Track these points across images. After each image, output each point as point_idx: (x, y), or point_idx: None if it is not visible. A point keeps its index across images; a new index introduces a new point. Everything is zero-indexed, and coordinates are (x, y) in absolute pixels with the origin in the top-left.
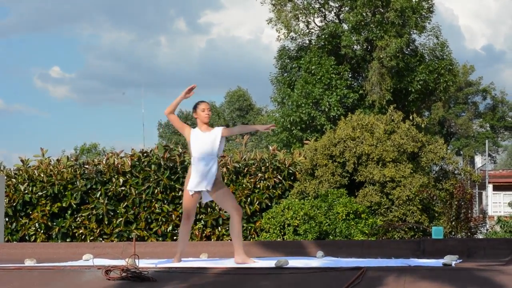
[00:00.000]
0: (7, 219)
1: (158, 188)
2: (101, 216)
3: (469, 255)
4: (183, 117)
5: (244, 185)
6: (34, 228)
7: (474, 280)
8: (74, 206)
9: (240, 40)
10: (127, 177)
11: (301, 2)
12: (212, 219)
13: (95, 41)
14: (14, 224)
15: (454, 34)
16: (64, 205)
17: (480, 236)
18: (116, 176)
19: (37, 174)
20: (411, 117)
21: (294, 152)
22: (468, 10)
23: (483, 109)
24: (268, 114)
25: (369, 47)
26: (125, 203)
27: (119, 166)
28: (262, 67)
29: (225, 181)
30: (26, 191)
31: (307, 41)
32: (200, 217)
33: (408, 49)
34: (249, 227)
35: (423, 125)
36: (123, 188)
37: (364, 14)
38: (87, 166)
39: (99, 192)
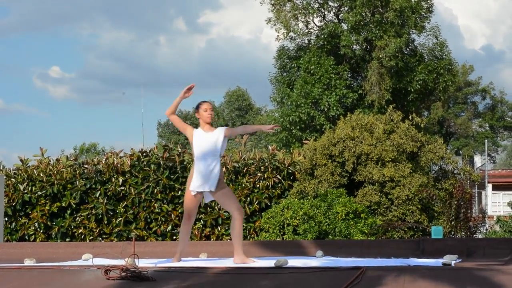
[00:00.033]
0: (6, 219)
1: (158, 187)
2: (100, 216)
3: (468, 254)
4: (182, 117)
5: (243, 185)
6: (33, 228)
7: (473, 279)
8: (74, 205)
9: (239, 40)
10: (127, 176)
11: (300, 2)
12: (211, 218)
13: (94, 41)
14: (14, 223)
15: (454, 34)
16: (63, 204)
17: (480, 236)
18: (115, 176)
19: (36, 174)
20: (410, 117)
21: (294, 151)
22: (468, 10)
23: (483, 109)
24: (268, 114)
25: (368, 47)
26: (125, 203)
27: (119, 165)
28: (261, 67)
29: (225, 180)
30: (26, 191)
31: (306, 41)
32: (200, 216)
33: (408, 49)
34: (249, 227)
35: (422, 125)
36: (122, 187)
37: (363, 14)
38: (86, 166)
39: (99, 192)
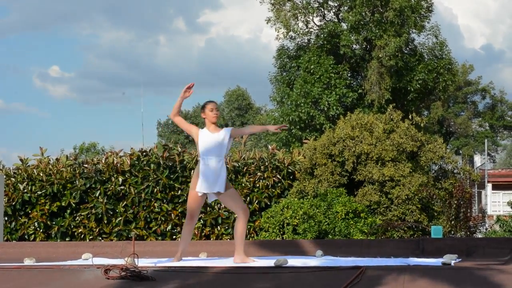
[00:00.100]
0: (6, 218)
1: (157, 187)
2: (100, 215)
3: (468, 254)
4: (182, 116)
5: (243, 184)
6: (33, 227)
7: (473, 279)
8: (73, 205)
9: (239, 40)
10: (126, 176)
11: (300, 1)
12: (211, 218)
13: (94, 40)
14: (13, 223)
15: (453, 33)
16: (63, 204)
17: (479, 235)
18: (115, 175)
19: (36, 173)
20: (410, 117)
21: (293, 151)
22: (467, 9)
23: (482, 109)
24: (267, 113)
25: (368, 46)
26: (124, 202)
27: (118, 165)
28: (261, 67)
29: None
30: (25, 190)
31: (306, 41)
32: (199, 216)
33: (407, 49)
34: (248, 226)
35: (422, 125)
36: (122, 187)
37: (363, 13)
38: (86, 165)
39: (98, 191)
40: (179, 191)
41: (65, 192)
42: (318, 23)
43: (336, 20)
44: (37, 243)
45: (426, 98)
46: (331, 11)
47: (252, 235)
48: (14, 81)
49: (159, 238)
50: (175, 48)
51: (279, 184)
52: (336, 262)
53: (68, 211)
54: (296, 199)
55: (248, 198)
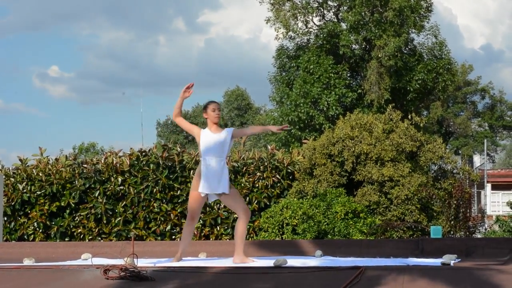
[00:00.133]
0: (5, 218)
1: (157, 187)
2: (99, 216)
3: (467, 254)
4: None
5: (242, 185)
6: (32, 228)
7: (472, 279)
8: (73, 205)
9: (238, 39)
10: (126, 176)
11: (299, 1)
12: (210, 218)
13: (93, 40)
14: (13, 223)
15: (453, 33)
16: (62, 204)
17: (479, 236)
18: (114, 176)
19: (35, 173)
20: (409, 117)
21: (293, 151)
22: (467, 9)
23: (482, 109)
24: (267, 113)
25: (367, 46)
26: (124, 203)
27: (118, 165)
28: (260, 66)
29: None
30: (25, 190)
31: (306, 40)
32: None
33: (407, 49)
34: (248, 227)
35: (421, 125)
36: (121, 187)
37: (363, 13)
38: (85, 166)
39: (98, 192)
40: (179, 191)
41: (65, 192)
42: (318, 23)
43: (335, 20)
44: (36, 243)
45: (426, 98)
46: (331, 11)
47: (252, 235)
48: (13, 81)
49: (159, 238)
50: (175, 48)
51: (278, 184)
52: (336, 262)
53: (68, 211)
54: (295, 199)
55: (248, 198)
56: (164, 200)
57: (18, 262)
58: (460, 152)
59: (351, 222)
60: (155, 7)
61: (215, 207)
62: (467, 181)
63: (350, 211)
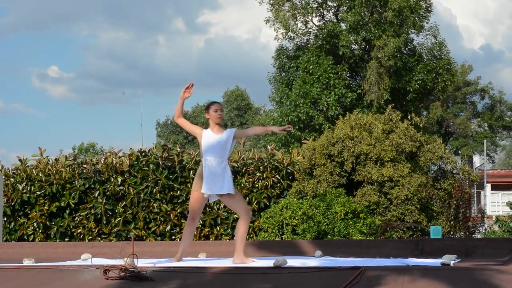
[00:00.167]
0: (5, 219)
1: (157, 187)
2: (99, 216)
3: (467, 254)
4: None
5: (242, 185)
6: (32, 228)
7: (472, 279)
8: (73, 205)
9: (238, 40)
10: (126, 176)
11: (299, 2)
12: (210, 218)
13: (93, 40)
14: (13, 223)
15: (452, 33)
16: (62, 204)
17: (479, 236)
18: (114, 176)
19: (35, 174)
20: (409, 117)
21: (293, 151)
22: (466, 9)
23: (481, 109)
24: (267, 113)
25: (367, 46)
26: (124, 203)
27: (118, 165)
28: (260, 67)
29: None
30: (25, 191)
31: (305, 41)
32: None
33: (406, 49)
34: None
35: (421, 125)
36: (121, 187)
37: (362, 13)
38: (85, 166)
39: (98, 192)
40: (178, 192)
41: (64, 192)
42: (317, 23)
43: (335, 20)
44: (36, 244)
45: (425, 98)
46: (330, 11)
47: (251, 235)
48: (13, 81)
49: (158, 238)
50: (174, 49)
51: (278, 185)
52: (335, 262)
53: (67, 211)
54: (295, 199)
55: (247, 198)
56: (164, 201)
57: (18, 262)
58: (459, 152)
59: (351, 223)
60: (154, 8)
61: (214, 207)
62: (467, 181)
63: (350, 211)
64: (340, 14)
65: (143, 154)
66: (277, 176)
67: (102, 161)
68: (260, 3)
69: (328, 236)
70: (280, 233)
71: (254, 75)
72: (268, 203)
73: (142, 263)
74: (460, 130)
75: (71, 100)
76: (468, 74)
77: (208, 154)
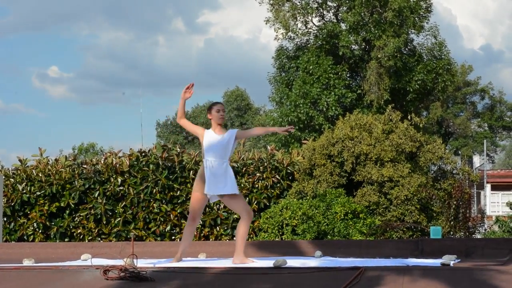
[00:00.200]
0: (5, 219)
1: (157, 188)
2: (99, 216)
3: (467, 255)
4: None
5: (242, 185)
6: (32, 228)
7: (472, 280)
8: (72, 206)
9: (238, 40)
10: (125, 177)
11: (299, 2)
12: (210, 219)
13: (93, 40)
14: (12, 224)
15: (452, 34)
16: (62, 205)
17: (478, 236)
18: (114, 176)
19: (35, 174)
20: (409, 117)
21: (292, 152)
22: (466, 10)
23: (481, 109)
24: (266, 114)
25: (367, 47)
26: (124, 203)
27: (117, 166)
28: (260, 67)
29: None
30: (24, 191)
31: (305, 41)
32: None
33: (406, 49)
34: None
35: (421, 125)
36: (121, 188)
37: (362, 14)
38: (85, 166)
39: (98, 192)
40: (178, 192)
41: (64, 192)
42: (317, 24)
43: (335, 20)
44: (36, 244)
45: (425, 98)
46: (330, 12)
47: (251, 235)
48: (13, 82)
49: (158, 238)
50: (174, 49)
51: (278, 185)
52: (335, 262)
53: (67, 211)
54: (295, 199)
55: (247, 198)
56: (163, 201)
57: (17, 263)
58: (459, 152)
59: (351, 223)
60: (154, 8)
61: (214, 208)
62: (467, 181)
63: (349, 211)
64: (340, 14)
65: (143, 154)
66: (277, 177)
67: (102, 162)
68: (260, 3)
69: (328, 236)
70: (280, 233)
71: (254, 75)
72: (268, 204)
73: (142, 263)
74: (460, 130)
75: (71, 100)
76: (468, 74)
77: (209, 155)
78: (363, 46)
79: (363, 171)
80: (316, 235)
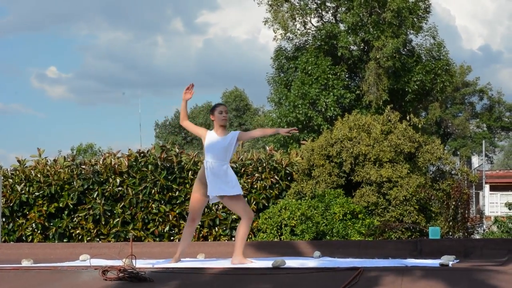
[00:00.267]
0: (4, 220)
1: (155, 188)
2: (98, 217)
3: (466, 255)
4: (179, 117)
5: (241, 186)
6: (31, 229)
7: (471, 280)
8: (71, 206)
9: (237, 40)
10: (124, 177)
11: (297, 3)
12: (209, 219)
13: (92, 41)
14: (11, 224)
15: (451, 34)
16: (61, 205)
17: (477, 237)
18: (113, 177)
19: (34, 174)
20: (408, 118)
21: (291, 152)
22: (465, 10)
23: (480, 110)
24: (265, 114)
25: (365, 47)
26: (122, 204)
27: (116, 166)
28: (259, 67)
29: None
30: (23, 192)
31: (304, 42)
32: None
33: (405, 50)
34: None
35: (420, 126)
36: (120, 188)
37: (361, 14)
38: (84, 167)
39: (96, 193)
40: (177, 192)
41: (63, 193)
42: (316, 24)
43: (333, 21)
44: (34, 244)
45: (424, 99)
46: (329, 12)
47: (250, 236)
48: (12, 82)
49: (157, 239)
50: (173, 49)
51: (277, 185)
52: (334, 263)
53: (66, 212)
54: (294, 200)
55: (246, 199)
56: (162, 201)
57: (16, 263)
58: (458, 153)
59: (350, 223)
60: (153, 8)
61: (213, 208)
62: (466, 182)
63: (348, 212)
64: (338, 15)
65: (142, 154)
66: (276, 177)
67: (101, 162)
68: (259, 4)
69: (327, 236)
70: (279, 233)
71: (252, 76)
72: (266, 204)
73: (141, 263)
74: (459, 130)
75: (70, 100)
76: (466, 74)
77: (209, 156)
78: (361, 47)
79: (361, 172)
80: (315, 235)
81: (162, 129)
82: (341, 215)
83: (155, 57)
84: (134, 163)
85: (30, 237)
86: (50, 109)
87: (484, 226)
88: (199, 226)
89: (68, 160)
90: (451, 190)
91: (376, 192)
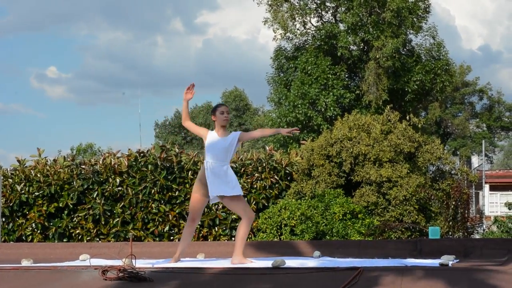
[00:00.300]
0: (3, 219)
1: (155, 188)
2: (98, 216)
3: (466, 255)
4: (179, 117)
5: (241, 186)
6: (30, 228)
7: (471, 280)
8: (71, 206)
9: (236, 40)
10: (124, 177)
11: (297, 2)
12: (209, 219)
13: (91, 41)
14: (11, 224)
15: (451, 34)
16: (60, 205)
17: (477, 236)
18: (112, 176)
19: (33, 174)
20: (407, 117)
21: (291, 152)
22: (465, 10)
23: (480, 109)
24: (265, 114)
25: (365, 47)
26: (122, 203)
27: (116, 166)
28: (258, 67)
29: None
30: (23, 191)
31: (304, 42)
32: None
33: (405, 50)
34: None
35: (419, 125)
36: (119, 188)
37: (361, 14)
38: (83, 166)
39: (96, 192)
40: (177, 192)
41: (63, 193)
42: (316, 24)
43: (333, 21)
44: (34, 244)
45: (424, 99)
46: (329, 12)
47: (250, 236)
48: (12, 82)
49: (157, 239)
50: (173, 49)
51: (276, 185)
52: (334, 263)
53: (66, 212)
54: (293, 200)
55: (246, 199)
56: (162, 201)
57: (16, 263)
58: (458, 153)
59: (349, 223)
60: (153, 8)
61: (213, 208)
62: (465, 182)
63: (348, 212)
64: (338, 15)
65: (142, 154)
66: (276, 177)
67: (101, 162)
68: (259, 4)
69: (327, 236)
70: (279, 233)
71: (252, 76)
72: (266, 204)
73: (141, 263)
74: (459, 130)
75: (70, 100)
76: (466, 74)
77: (210, 156)
78: (361, 47)
79: (361, 172)
80: (315, 235)
81: (162, 129)
82: (341, 215)
83: (154, 57)
84: (134, 163)
85: (30, 237)
86: (50, 109)
87: (484, 226)
88: (199, 226)
89: (68, 160)
90: (451, 190)
91: (376, 192)
